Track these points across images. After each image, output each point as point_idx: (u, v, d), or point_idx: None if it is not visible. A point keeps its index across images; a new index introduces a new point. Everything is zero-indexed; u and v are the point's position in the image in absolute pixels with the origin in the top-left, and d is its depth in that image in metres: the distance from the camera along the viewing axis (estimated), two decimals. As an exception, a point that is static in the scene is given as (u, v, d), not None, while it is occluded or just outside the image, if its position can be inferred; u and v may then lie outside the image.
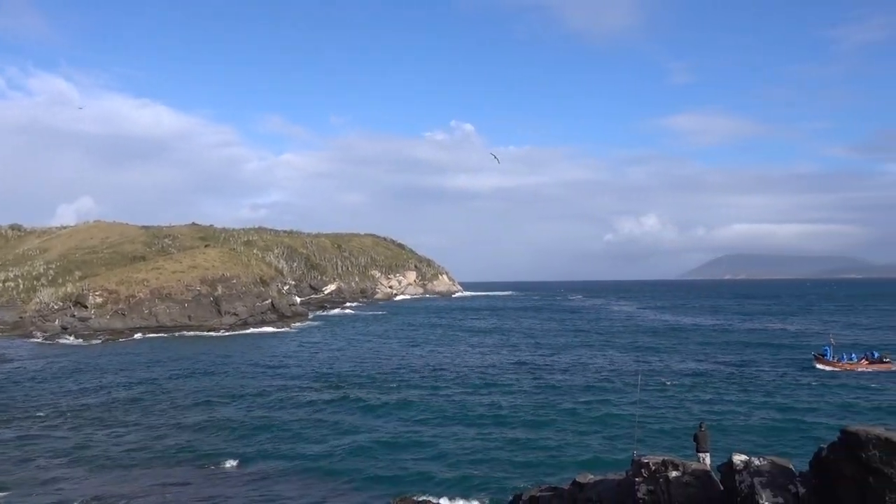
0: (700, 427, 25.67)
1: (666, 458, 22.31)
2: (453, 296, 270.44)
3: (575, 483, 25.31)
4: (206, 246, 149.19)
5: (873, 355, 63.81)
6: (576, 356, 73.14)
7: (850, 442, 17.73)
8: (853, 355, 63.83)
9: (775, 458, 20.55)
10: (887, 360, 62.51)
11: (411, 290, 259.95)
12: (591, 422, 42.27)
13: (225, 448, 38.03)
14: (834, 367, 61.50)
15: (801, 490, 18.91)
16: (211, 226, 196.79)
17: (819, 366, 62.32)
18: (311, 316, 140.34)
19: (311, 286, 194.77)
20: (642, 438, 35.31)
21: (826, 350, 64.68)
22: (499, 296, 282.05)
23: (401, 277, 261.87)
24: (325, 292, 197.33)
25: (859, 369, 60.69)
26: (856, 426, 18.22)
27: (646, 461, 22.20)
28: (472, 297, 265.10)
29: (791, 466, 20.37)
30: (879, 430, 17.70)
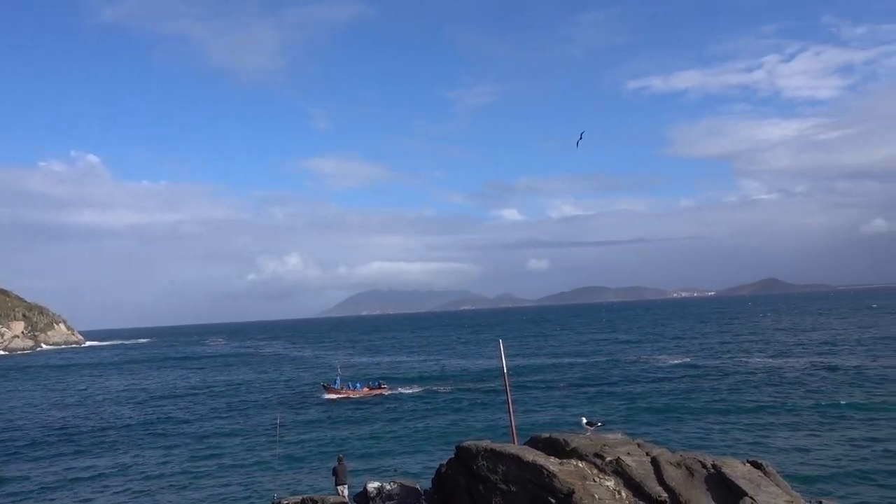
0: (338, 461, 26.49)
1: (305, 496, 22.57)
2: (74, 347, 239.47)
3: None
4: None
5: (375, 383, 73.74)
6: (215, 407, 69.66)
7: (462, 456, 19.98)
8: (357, 384, 72.43)
9: (403, 481, 22.18)
10: (384, 385, 72.59)
11: (18, 343, 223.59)
12: (231, 470, 40.76)
13: None
14: (339, 394, 69.12)
15: (426, 507, 20.64)
16: None
17: (327, 395, 69.38)
18: None
19: None
20: (283, 480, 35.16)
21: (335, 380, 72.39)
22: (131, 344, 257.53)
23: (3, 329, 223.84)
24: None
25: (360, 395, 68.88)
26: (467, 441, 20.62)
27: (285, 503, 22.13)
28: (99, 347, 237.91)
29: (417, 486, 22.17)
30: (486, 443, 20.28)
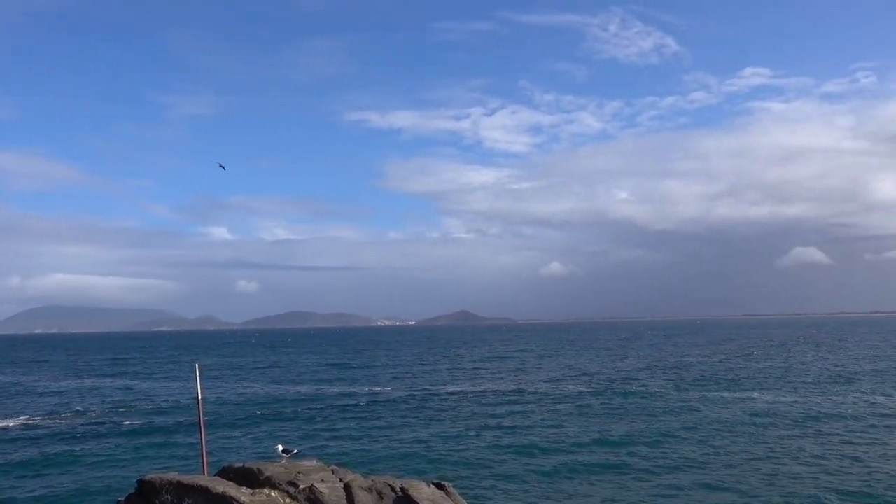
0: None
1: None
2: None
3: None
4: None
5: None
6: None
7: (144, 490, 18.37)
8: None
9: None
10: None
11: None
12: None
13: None
14: None
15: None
16: None
17: None
18: None
19: None
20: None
21: None
22: None
23: None
24: None
25: None
26: (151, 474, 18.99)
27: None
28: None
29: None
30: (172, 475, 18.89)
